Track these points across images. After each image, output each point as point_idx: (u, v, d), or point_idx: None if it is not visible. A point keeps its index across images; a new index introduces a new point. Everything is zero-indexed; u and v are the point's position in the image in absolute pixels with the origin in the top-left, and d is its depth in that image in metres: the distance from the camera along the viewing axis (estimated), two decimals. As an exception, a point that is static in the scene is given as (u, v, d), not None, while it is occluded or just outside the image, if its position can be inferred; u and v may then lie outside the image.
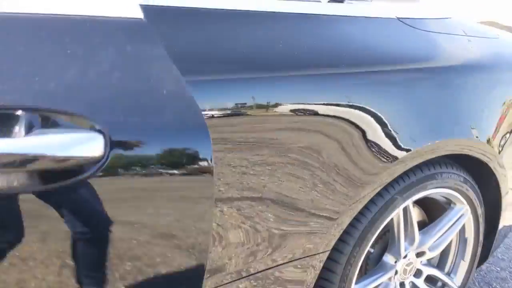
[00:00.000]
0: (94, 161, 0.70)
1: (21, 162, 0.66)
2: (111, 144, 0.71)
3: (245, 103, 0.88)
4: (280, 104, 0.91)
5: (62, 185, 0.70)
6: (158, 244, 0.82)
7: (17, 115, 0.67)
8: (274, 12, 1.01)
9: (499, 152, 1.34)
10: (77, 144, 0.69)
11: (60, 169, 0.69)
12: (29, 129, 0.67)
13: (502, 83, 1.37)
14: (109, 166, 0.71)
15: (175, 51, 0.80)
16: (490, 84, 1.33)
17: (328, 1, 1.12)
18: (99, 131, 0.70)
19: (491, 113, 1.32)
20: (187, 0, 0.89)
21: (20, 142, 0.66)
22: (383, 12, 1.21)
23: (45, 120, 0.69)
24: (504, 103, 1.35)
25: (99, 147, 0.70)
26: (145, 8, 0.81)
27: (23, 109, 0.67)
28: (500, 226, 1.54)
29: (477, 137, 1.26)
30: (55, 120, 0.70)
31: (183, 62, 0.80)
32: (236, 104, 0.87)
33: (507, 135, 1.38)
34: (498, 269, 2.02)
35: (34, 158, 0.66)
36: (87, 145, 0.70)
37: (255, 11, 0.98)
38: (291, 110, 0.93)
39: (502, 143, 1.36)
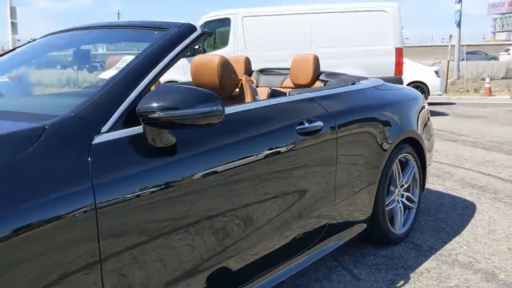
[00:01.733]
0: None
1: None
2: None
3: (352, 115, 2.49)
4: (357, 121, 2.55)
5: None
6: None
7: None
8: (354, 90, 2.66)
9: (422, 134, 3.11)
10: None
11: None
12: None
13: (415, 107, 3.16)
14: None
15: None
16: (411, 108, 3.11)
17: (354, 83, 2.81)
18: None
19: (414, 119, 3.08)
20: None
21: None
22: (368, 85, 2.93)
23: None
24: (417, 115, 3.14)
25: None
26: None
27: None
28: (426, 179, 3.32)
29: (411, 129, 2.99)
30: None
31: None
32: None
33: (421, 128, 3.16)
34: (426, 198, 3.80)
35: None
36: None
37: (348, 91, 2.62)
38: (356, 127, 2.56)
39: (420, 131, 3.13)
